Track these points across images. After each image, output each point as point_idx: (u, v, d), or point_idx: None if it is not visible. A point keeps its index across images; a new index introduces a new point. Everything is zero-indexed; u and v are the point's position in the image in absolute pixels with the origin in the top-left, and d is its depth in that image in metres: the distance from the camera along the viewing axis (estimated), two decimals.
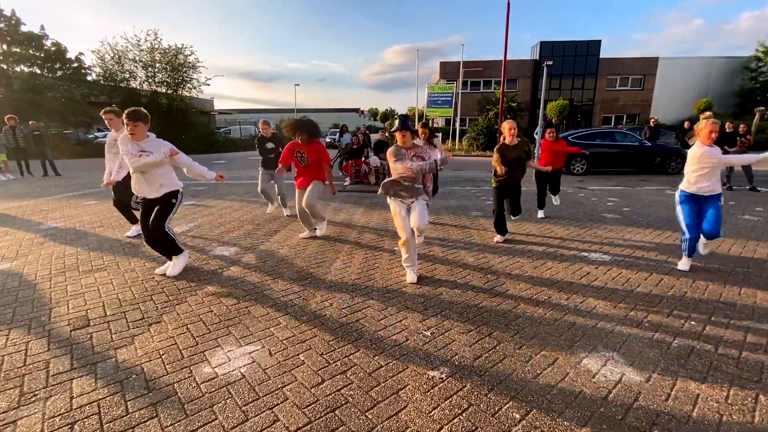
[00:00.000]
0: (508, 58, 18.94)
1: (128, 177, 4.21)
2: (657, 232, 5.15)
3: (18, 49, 19.25)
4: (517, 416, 1.82)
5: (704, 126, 3.44)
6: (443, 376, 2.12)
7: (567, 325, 2.68)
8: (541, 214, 6.17)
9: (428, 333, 2.58)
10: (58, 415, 1.82)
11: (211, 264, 3.90)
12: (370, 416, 1.82)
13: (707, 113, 3.62)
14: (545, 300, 3.09)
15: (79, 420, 1.79)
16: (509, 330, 2.62)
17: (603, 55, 30.07)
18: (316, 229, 4.89)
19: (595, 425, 1.77)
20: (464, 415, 1.83)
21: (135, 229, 4.92)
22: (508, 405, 1.89)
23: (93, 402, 1.91)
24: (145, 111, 3.31)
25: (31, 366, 2.21)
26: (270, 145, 5.96)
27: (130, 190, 4.42)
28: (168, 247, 3.57)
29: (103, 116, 4.26)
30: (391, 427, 1.75)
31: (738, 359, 2.29)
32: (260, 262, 3.94)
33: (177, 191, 3.54)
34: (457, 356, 2.31)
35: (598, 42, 29.43)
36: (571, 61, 29.86)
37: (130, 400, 1.92)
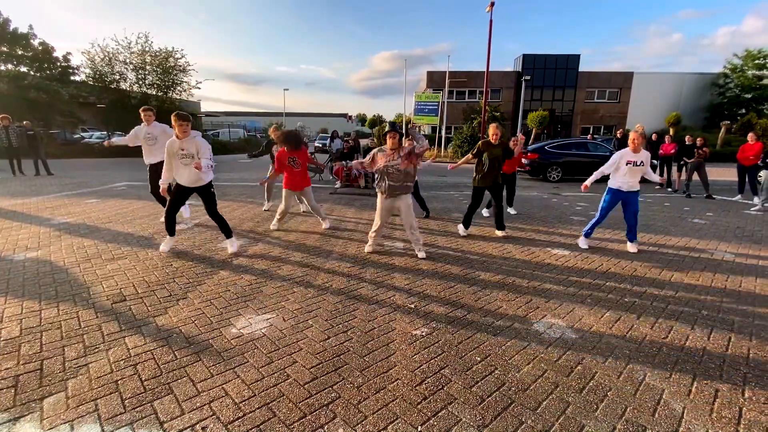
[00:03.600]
0: (491, 69, 19.86)
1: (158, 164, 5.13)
2: (615, 231, 5.85)
3: (5, 48, 19.24)
4: (479, 359, 2.40)
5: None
6: (423, 334, 2.69)
7: (525, 300, 3.29)
8: (511, 210, 7.16)
9: (413, 306, 3.15)
10: (122, 360, 2.32)
11: (222, 254, 4.39)
12: (367, 359, 2.37)
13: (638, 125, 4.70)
14: (510, 283, 3.69)
15: (139, 363, 2.29)
16: (478, 304, 3.21)
17: (584, 66, 31.57)
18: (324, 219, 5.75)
19: (537, 364, 2.36)
20: (438, 358, 2.40)
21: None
22: (472, 352, 2.47)
23: (147, 351, 2.41)
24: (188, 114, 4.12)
25: (86, 328, 2.69)
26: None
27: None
28: (223, 228, 4.46)
29: (144, 112, 5.40)
30: (382, 366, 2.30)
31: (654, 322, 2.93)
32: (266, 252, 4.45)
33: (211, 181, 4.33)
34: (434, 322, 2.88)
35: (577, 56, 30.86)
36: (552, 73, 31.20)
37: (176, 350, 2.43)
